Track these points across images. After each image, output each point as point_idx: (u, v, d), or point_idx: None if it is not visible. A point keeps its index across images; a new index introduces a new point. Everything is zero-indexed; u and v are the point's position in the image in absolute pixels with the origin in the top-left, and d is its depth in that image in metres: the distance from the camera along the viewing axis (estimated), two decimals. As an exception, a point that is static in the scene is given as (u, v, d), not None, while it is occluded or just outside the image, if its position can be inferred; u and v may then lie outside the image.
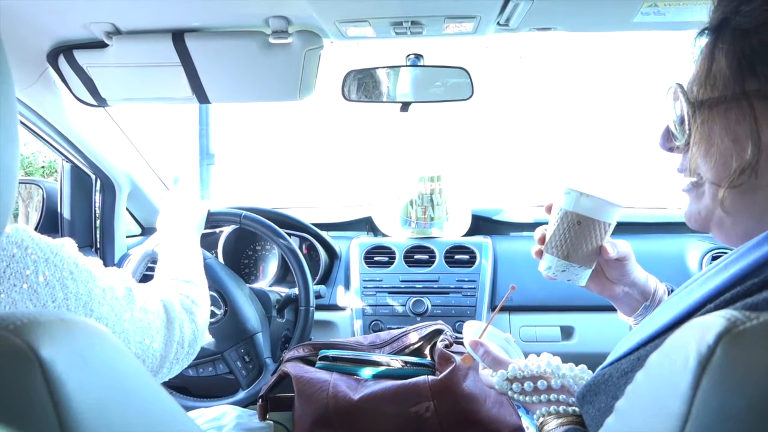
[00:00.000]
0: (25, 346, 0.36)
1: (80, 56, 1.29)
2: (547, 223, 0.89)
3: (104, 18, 1.19)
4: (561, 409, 0.76)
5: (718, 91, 0.56)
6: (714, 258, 1.68)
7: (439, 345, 1.14)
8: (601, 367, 0.70)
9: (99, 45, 1.27)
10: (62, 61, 1.31)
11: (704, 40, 0.59)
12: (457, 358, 1.05)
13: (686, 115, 0.59)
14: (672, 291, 0.90)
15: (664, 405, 0.36)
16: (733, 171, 0.55)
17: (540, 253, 0.89)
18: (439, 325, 1.23)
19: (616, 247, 0.84)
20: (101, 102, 1.41)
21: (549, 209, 0.88)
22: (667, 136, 0.66)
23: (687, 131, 0.60)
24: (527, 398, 0.80)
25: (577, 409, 0.75)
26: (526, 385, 0.80)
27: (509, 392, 0.81)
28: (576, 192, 0.83)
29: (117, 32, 1.23)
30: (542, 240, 0.88)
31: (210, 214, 1.48)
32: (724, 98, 0.55)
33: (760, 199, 0.55)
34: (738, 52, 0.54)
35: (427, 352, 1.22)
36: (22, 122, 1.46)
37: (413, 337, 1.22)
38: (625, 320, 0.93)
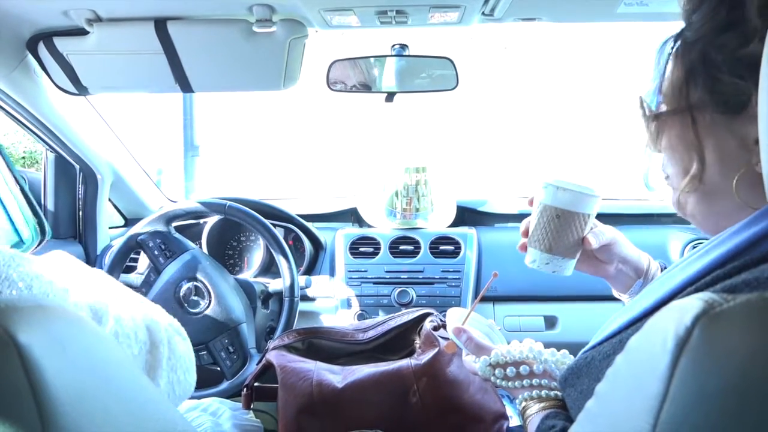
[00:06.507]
0: (2, 332, 0.36)
1: (60, 44, 1.27)
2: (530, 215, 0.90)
3: (85, 5, 1.16)
4: (543, 393, 0.77)
5: (667, 104, 0.59)
6: (695, 248, 1.70)
7: (428, 325, 1.13)
8: (583, 350, 0.70)
9: (80, 32, 1.25)
10: (42, 49, 1.28)
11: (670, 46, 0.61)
12: (442, 343, 1.05)
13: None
14: (665, 267, 0.91)
15: (642, 386, 0.36)
16: (682, 179, 0.59)
17: (525, 247, 0.90)
18: (427, 311, 1.23)
19: (598, 237, 0.86)
20: (82, 90, 1.39)
21: (531, 203, 0.90)
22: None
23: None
24: (510, 383, 0.80)
25: (559, 393, 0.76)
26: (508, 370, 0.80)
27: (492, 378, 0.82)
28: (553, 186, 0.84)
29: (98, 19, 1.21)
30: (526, 233, 0.90)
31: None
32: (672, 111, 0.58)
33: (721, 201, 0.58)
34: (686, 65, 0.56)
35: (414, 336, 1.22)
36: (4, 109, 1.44)
37: (399, 321, 1.22)
38: (619, 297, 0.95)
